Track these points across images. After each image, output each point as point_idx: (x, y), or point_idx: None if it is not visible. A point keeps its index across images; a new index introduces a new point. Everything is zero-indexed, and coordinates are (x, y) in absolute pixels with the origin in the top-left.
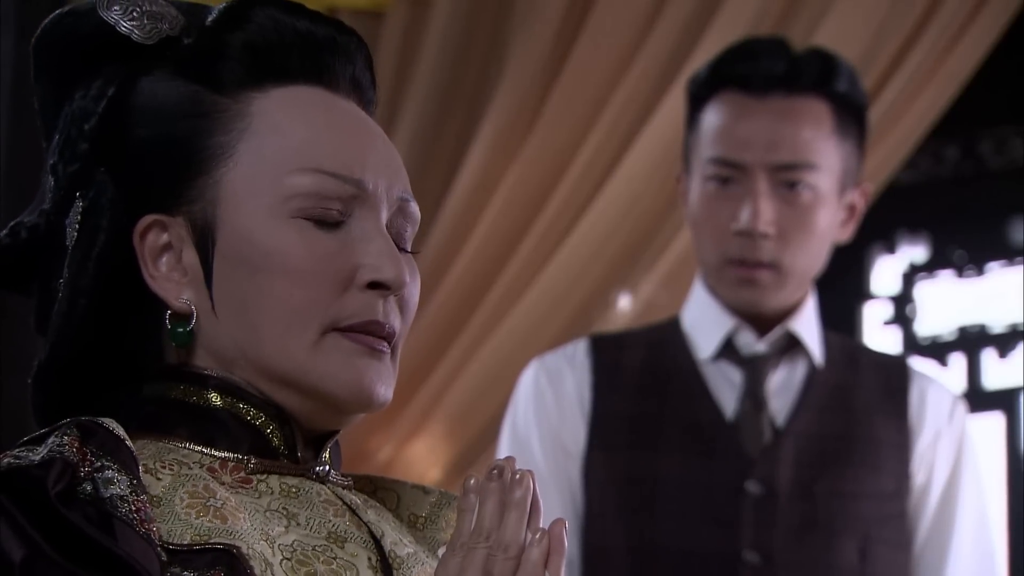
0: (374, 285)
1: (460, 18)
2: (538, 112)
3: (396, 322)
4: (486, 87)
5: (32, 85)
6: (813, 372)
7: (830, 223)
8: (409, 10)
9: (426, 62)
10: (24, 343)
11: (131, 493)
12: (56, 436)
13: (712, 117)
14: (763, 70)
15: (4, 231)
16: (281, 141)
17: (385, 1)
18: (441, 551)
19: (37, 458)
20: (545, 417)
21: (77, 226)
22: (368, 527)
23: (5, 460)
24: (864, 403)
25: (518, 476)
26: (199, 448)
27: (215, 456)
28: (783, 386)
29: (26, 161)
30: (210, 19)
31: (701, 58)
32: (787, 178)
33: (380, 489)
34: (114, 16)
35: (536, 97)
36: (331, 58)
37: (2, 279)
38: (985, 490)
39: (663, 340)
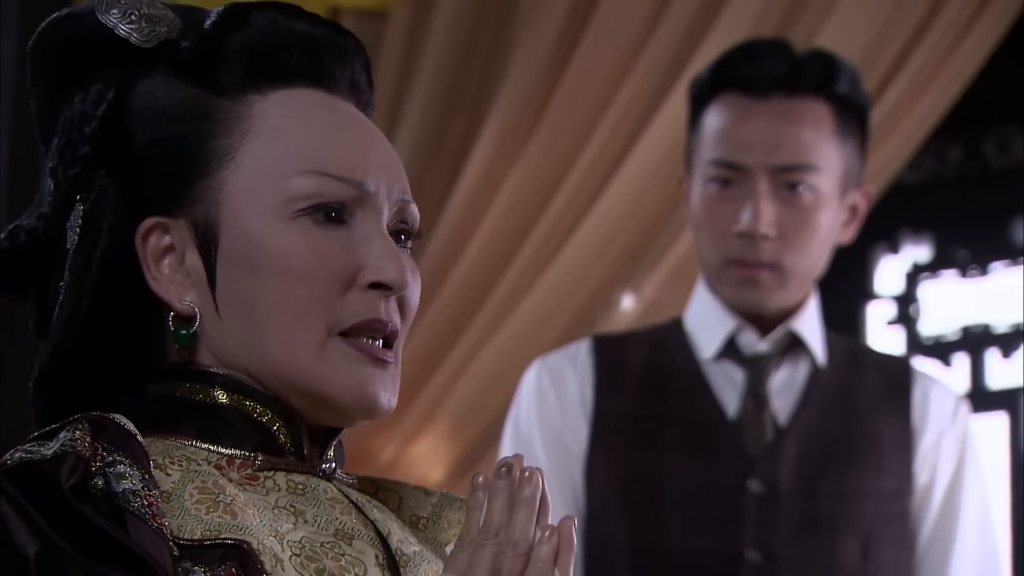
0: (376, 285)
1: (464, 18)
2: (541, 112)
3: (398, 321)
4: (489, 87)
5: (29, 88)
6: (815, 372)
7: (831, 224)
8: (413, 10)
9: (429, 62)
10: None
11: (143, 488)
12: (67, 431)
13: (713, 119)
14: (764, 72)
15: (3, 235)
16: (283, 144)
17: (389, 1)
18: (448, 549)
19: (49, 452)
20: (547, 417)
21: (78, 229)
22: (374, 525)
23: (17, 454)
24: (866, 403)
25: (527, 473)
26: (206, 445)
27: (222, 453)
28: (785, 385)
29: (29, 161)
30: (208, 22)
31: (703, 59)
32: (788, 180)
33: (381, 490)
34: (112, 19)
35: (539, 98)
36: (330, 60)
37: (0, 283)
38: (988, 490)
39: (665, 340)
